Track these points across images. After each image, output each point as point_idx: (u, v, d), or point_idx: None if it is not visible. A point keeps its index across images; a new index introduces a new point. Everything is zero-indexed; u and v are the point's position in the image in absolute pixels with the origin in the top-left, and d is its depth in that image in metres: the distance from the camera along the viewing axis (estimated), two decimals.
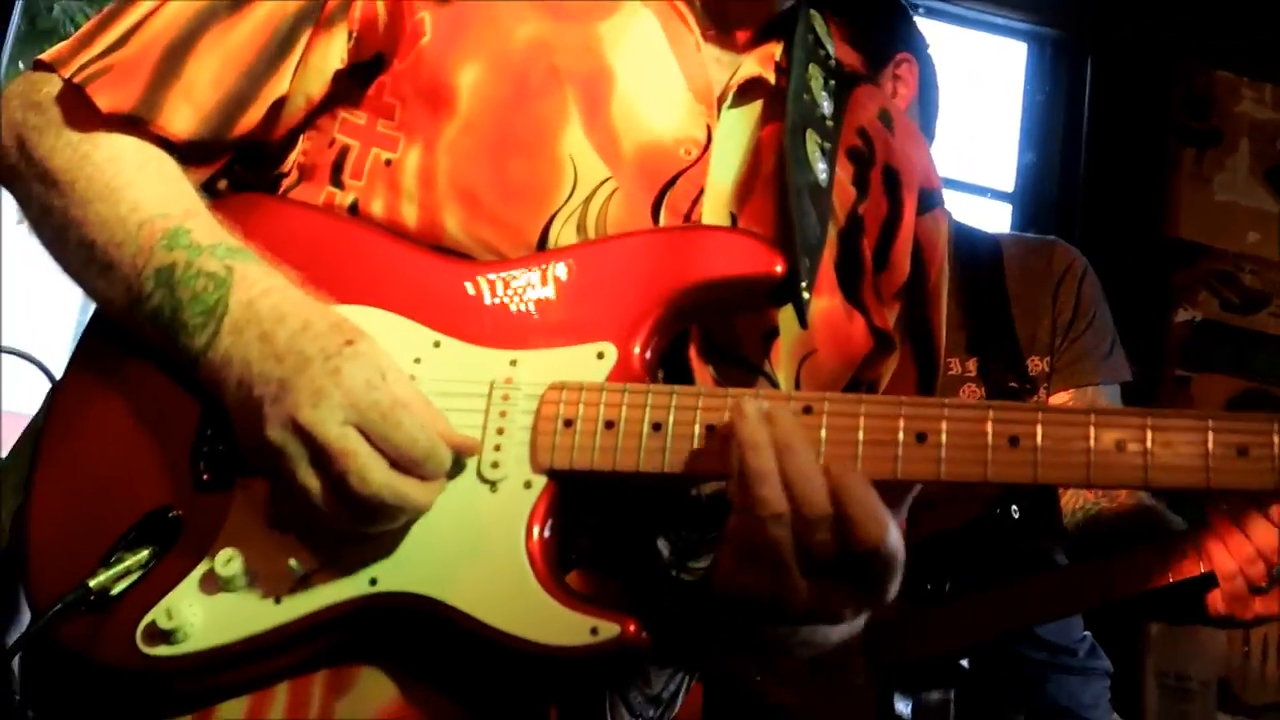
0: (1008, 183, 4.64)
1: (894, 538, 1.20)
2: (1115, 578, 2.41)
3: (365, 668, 1.34)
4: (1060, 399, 2.67)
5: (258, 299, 1.32)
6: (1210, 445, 1.20)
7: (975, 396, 2.65)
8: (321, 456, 1.24)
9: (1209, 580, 2.29)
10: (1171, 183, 4.65)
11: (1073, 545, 2.66)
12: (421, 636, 1.32)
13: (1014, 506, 2.55)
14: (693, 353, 1.41)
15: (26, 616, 1.40)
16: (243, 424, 1.29)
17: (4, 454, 1.48)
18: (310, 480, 1.25)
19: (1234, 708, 2.70)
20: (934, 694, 2.55)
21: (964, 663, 2.52)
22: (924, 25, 4.68)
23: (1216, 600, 2.29)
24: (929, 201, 1.63)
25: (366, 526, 1.27)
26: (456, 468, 1.32)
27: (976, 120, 4.92)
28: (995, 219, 4.63)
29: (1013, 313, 2.71)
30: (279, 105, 1.48)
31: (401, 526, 1.30)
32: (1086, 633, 2.74)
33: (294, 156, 1.51)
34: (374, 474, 1.24)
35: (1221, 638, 3.64)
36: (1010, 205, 4.61)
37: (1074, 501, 2.66)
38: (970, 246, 2.80)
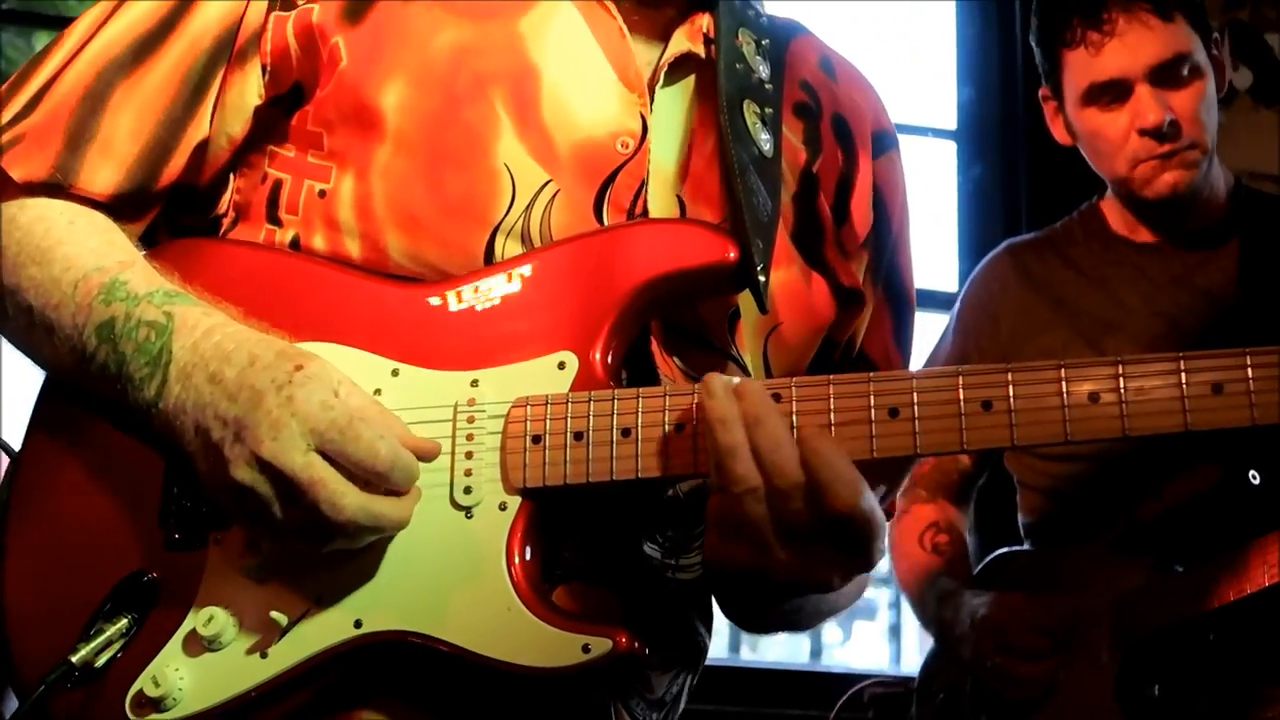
0: (949, 120, 4.62)
1: (867, 500, 1.19)
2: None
3: (365, 712, 1.32)
4: None
5: (200, 340, 1.30)
6: (1184, 386, 1.19)
7: None
8: (291, 489, 1.22)
9: None
10: None
11: None
12: (416, 671, 1.31)
13: (1252, 471, 2.49)
14: (655, 347, 1.39)
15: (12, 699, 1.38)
16: (207, 470, 1.27)
17: None
18: (285, 514, 1.23)
19: None
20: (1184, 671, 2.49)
21: (1211, 636, 2.44)
22: None
23: None
24: (882, 145, 1.61)
25: (348, 546, 1.27)
26: (429, 497, 1.30)
27: (912, 60, 4.88)
28: (941, 158, 4.61)
29: None
30: (202, 148, 1.46)
31: (380, 563, 1.29)
32: None
33: (228, 196, 1.49)
34: (346, 499, 1.23)
35: None
36: (954, 143, 4.59)
37: None
38: (1258, 211, 2.72)
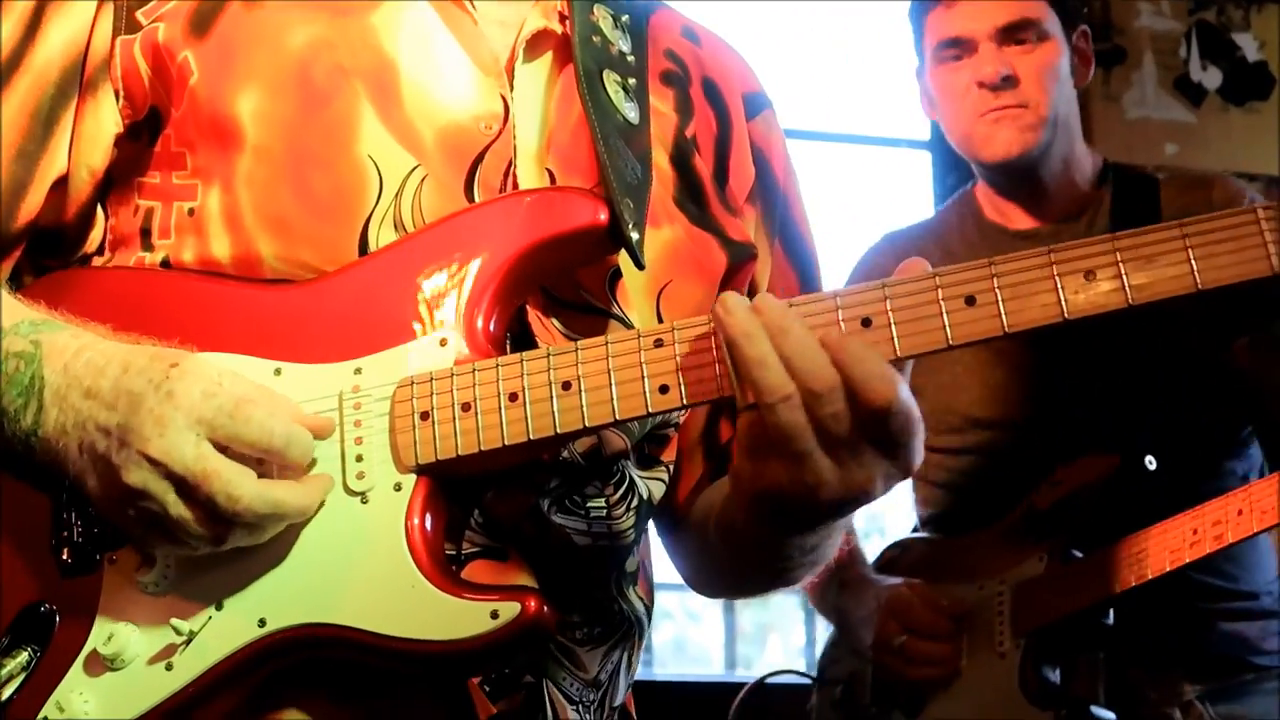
0: (924, 131, 4.72)
1: (905, 392, 1.25)
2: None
3: (288, 712, 1.38)
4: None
5: (71, 361, 1.36)
6: (1057, 278, 1.25)
7: None
8: (185, 486, 1.28)
9: None
10: (1082, 106, 4.73)
11: None
12: (333, 666, 1.36)
13: (1149, 457, 2.62)
14: (533, 314, 1.47)
15: None
16: (97, 486, 1.33)
17: None
18: (183, 512, 1.29)
19: None
20: (1083, 655, 2.61)
21: (1109, 620, 2.58)
22: None
23: None
24: (755, 105, 1.71)
25: (252, 540, 1.32)
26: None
27: (884, 72, 5.01)
28: (916, 169, 4.71)
29: None
30: (61, 185, 1.52)
31: (279, 560, 1.35)
32: None
33: (101, 234, 1.55)
34: (242, 489, 1.28)
35: None
36: (929, 152, 4.69)
37: None
38: (1126, 187, 2.87)
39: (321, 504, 1.35)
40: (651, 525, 1.64)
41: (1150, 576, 2.47)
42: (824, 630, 3.23)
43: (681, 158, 1.60)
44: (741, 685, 3.35)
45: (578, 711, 1.47)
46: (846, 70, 5.00)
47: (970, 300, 1.27)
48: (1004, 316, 1.26)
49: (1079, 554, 2.61)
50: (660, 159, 1.57)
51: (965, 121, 2.76)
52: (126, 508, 1.31)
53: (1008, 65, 2.69)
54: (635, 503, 1.53)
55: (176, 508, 1.28)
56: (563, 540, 1.46)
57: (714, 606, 5.09)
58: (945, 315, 1.27)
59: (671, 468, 1.62)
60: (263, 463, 1.31)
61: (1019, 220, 2.84)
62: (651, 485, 1.57)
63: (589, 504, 1.48)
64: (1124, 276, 1.25)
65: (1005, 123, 2.71)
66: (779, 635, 5.53)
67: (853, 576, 2.87)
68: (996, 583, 2.69)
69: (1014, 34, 2.71)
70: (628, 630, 1.54)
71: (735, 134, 1.66)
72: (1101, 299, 1.25)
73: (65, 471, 1.35)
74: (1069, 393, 2.76)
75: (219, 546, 1.31)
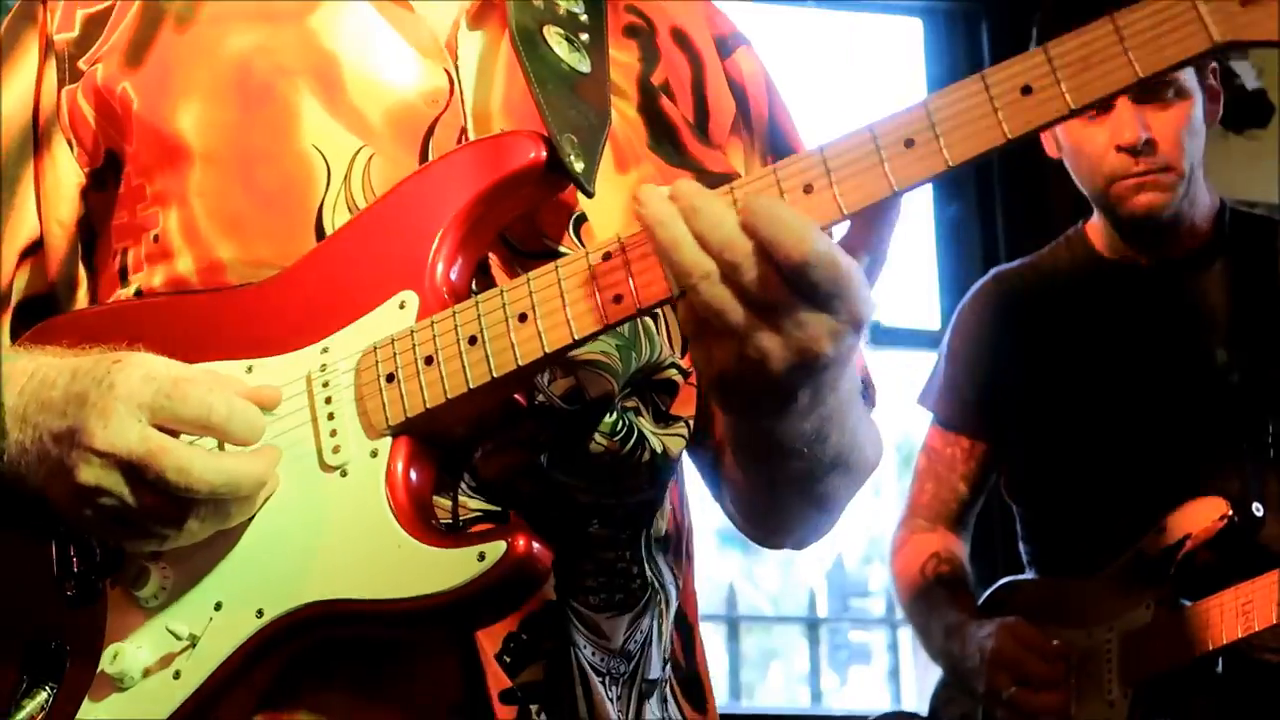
0: None
1: (820, 242, 1.20)
2: None
3: (299, 714, 1.35)
4: None
5: (26, 384, 1.37)
6: (992, 99, 1.23)
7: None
8: (135, 470, 1.27)
9: None
10: None
11: None
12: (338, 654, 1.35)
13: (1256, 505, 2.61)
14: (496, 267, 1.46)
15: None
16: (56, 494, 1.33)
17: None
18: (141, 499, 1.28)
19: None
20: (1197, 702, 2.58)
21: (1219, 669, 2.54)
22: (817, 12, 4.87)
23: None
24: (727, 47, 1.71)
25: (219, 522, 1.31)
26: (301, 468, 1.35)
27: (884, 102, 5.02)
28: (918, 198, 4.70)
29: None
30: (35, 249, 1.55)
31: (270, 549, 1.34)
32: None
33: (85, 293, 1.58)
34: (193, 463, 1.28)
35: None
36: (930, 184, 4.68)
37: None
38: (1245, 229, 2.89)
39: (301, 483, 1.34)
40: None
41: (1257, 629, 2.44)
42: (827, 659, 3.20)
43: (649, 103, 1.60)
44: (745, 716, 3.29)
45: (604, 683, 1.43)
46: (843, 96, 5.03)
47: (909, 143, 1.25)
48: (945, 150, 1.24)
49: (1187, 602, 2.58)
50: (626, 109, 1.57)
51: (1101, 179, 2.78)
52: (85, 509, 1.31)
53: (1146, 127, 2.69)
54: (646, 457, 1.49)
55: (134, 498, 1.28)
56: (565, 498, 1.43)
57: (717, 634, 5.05)
58: (886, 163, 1.25)
59: (691, 423, 1.57)
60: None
61: (1131, 255, 2.87)
62: (667, 441, 1.53)
63: (590, 459, 1.45)
64: (1060, 84, 1.22)
65: (1146, 185, 2.73)
66: (781, 662, 5.52)
67: (955, 622, 2.86)
68: (1104, 630, 2.67)
69: (1151, 90, 2.68)
70: (652, 597, 1.50)
71: (709, 74, 1.66)
72: (1041, 110, 1.22)
73: (32, 492, 1.35)
74: (1176, 437, 2.76)
75: (184, 528, 1.30)
